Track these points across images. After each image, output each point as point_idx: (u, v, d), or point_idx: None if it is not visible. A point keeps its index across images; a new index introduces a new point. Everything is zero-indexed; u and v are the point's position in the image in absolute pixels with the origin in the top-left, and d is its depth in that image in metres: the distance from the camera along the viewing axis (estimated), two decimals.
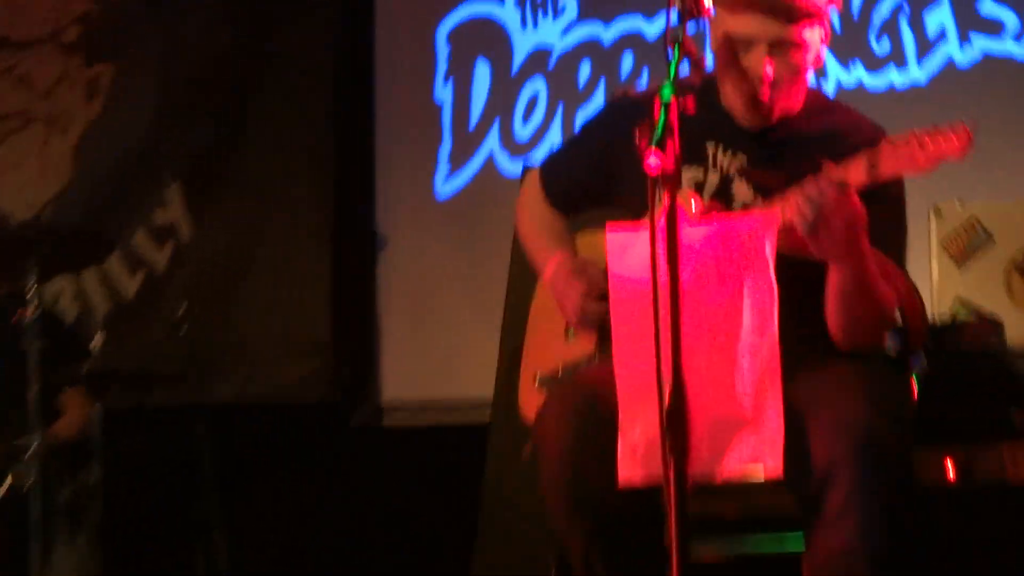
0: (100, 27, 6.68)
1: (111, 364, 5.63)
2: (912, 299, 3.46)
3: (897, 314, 3.32)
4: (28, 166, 6.69)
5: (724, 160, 3.39)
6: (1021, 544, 3.86)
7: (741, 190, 3.35)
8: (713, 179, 3.36)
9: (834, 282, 3.12)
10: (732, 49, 3.27)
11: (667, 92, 2.71)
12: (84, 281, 6.43)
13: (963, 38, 5.97)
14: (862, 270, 3.10)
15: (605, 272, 3.23)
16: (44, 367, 5.11)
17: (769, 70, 3.25)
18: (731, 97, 3.35)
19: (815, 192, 2.98)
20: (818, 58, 3.41)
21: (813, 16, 3.29)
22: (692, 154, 3.15)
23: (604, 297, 3.30)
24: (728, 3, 3.25)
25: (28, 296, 5.09)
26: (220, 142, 6.59)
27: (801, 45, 3.30)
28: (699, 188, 3.33)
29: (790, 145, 3.35)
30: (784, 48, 3.27)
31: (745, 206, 3.29)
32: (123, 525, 5.57)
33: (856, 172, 3.08)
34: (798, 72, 3.32)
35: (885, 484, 3.06)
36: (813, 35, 3.32)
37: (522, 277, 4.23)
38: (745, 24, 3.22)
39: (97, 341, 5.60)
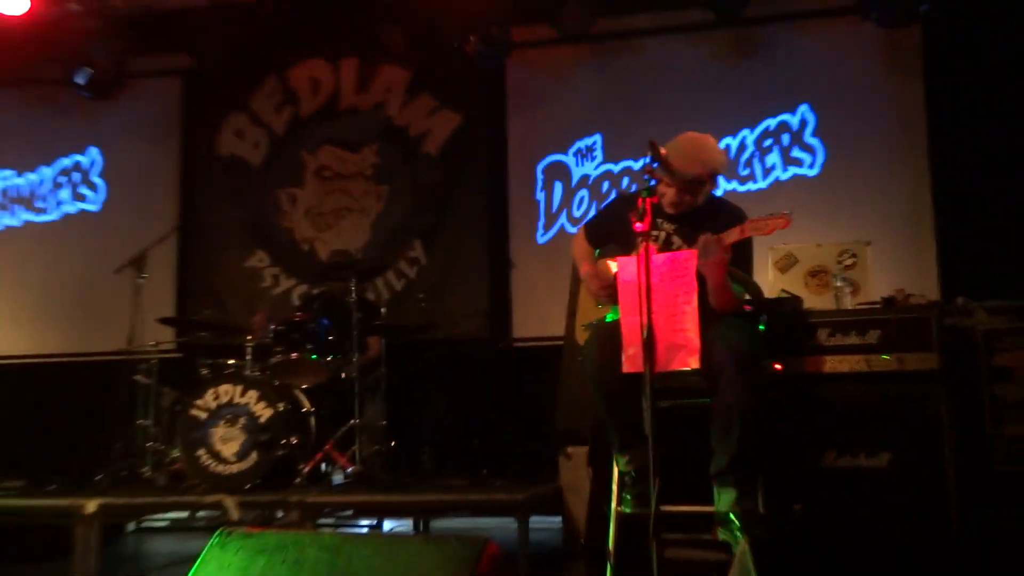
0: (382, 169, 6.68)
1: (390, 323, 5.65)
2: (757, 290, 3.53)
3: (738, 303, 3.39)
4: (351, 231, 6.69)
5: (667, 227, 3.47)
6: (824, 409, 3.89)
7: (676, 241, 3.44)
8: (662, 236, 3.45)
9: (708, 286, 3.19)
10: (670, 178, 3.35)
11: (645, 194, 2.84)
12: (377, 283, 6.47)
13: (784, 167, 5.95)
14: (719, 282, 3.20)
15: (611, 275, 3.38)
16: (360, 325, 5.21)
17: (676, 197, 3.35)
18: (663, 201, 3.42)
19: (703, 243, 3.10)
20: (714, 185, 3.48)
21: (704, 183, 3.37)
22: (654, 224, 3.23)
23: (609, 285, 3.40)
24: (668, 167, 3.31)
25: (352, 290, 5.19)
26: (438, 220, 6.56)
27: (696, 192, 3.38)
28: (656, 240, 3.40)
29: (699, 220, 3.39)
30: (685, 190, 3.33)
31: (679, 248, 3.37)
32: (398, 395, 5.61)
33: (734, 234, 3.18)
34: (692, 202, 3.41)
35: (747, 373, 3.13)
36: (704, 187, 3.40)
37: (576, 281, 4.33)
38: (670, 177, 3.28)
39: (384, 312, 5.67)
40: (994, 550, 1.58)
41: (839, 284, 4.31)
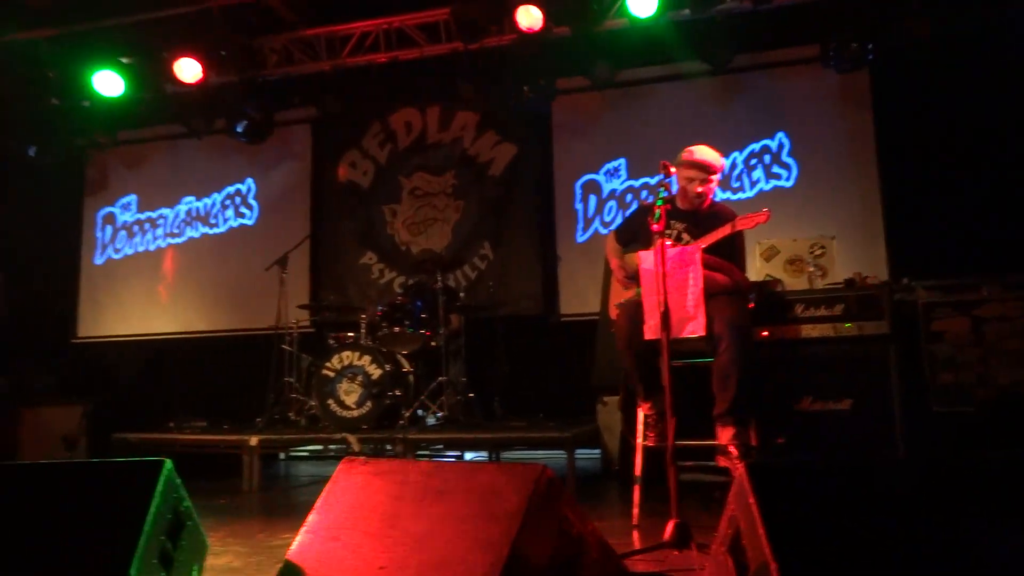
0: (459, 189, 6.63)
1: (467, 303, 5.65)
2: (745, 277, 3.48)
3: (735, 284, 3.32)
4: (436, 236, 6.64)
5: (678, 226, 3.42)
6: (800, 365, 3.84)
7: (685, 237, 3.39)
8: (674, 233, 3.40)
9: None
10: (684, 180, 3.30)
11: (660, 202, 2.80)
12: (456, 274, 6.42)
13: (767, 180, 5.82)
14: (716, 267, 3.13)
15: (636, 265, 3.30)
16: (445, 306, 5.23)
17: (698, 190, 3.28)
18: (680, 200, 3.38)
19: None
20: (714, 189, 3.43)
21: (715, 172, 3.31)
22: (668, 225, 3.20)
23: (634, 273, 3.37)
24: (684, 166, 3.28)
25: (438, 280, 5.22)
26: (502, 226, 6.48)
27: (710, 182, 3.33)
28: (671, 237, 3.36)
29: (702, 219, 3.36)
30: (703, 182, 3.29)
31: (687, 242, 3.33)
32: (474, 358, 5.62)
33: (727, 228, 3.12)
34: (707, 193, 3.34)
35: (740, 338, 3.09)
36: (715, 178, 3.35)
37: (607, 271, 4.25)
38: (689, 173, 3.24)
39: (462, 296, 5.64)
40: (930, 470, 1.54)
41: (811, 269, 4.24)
